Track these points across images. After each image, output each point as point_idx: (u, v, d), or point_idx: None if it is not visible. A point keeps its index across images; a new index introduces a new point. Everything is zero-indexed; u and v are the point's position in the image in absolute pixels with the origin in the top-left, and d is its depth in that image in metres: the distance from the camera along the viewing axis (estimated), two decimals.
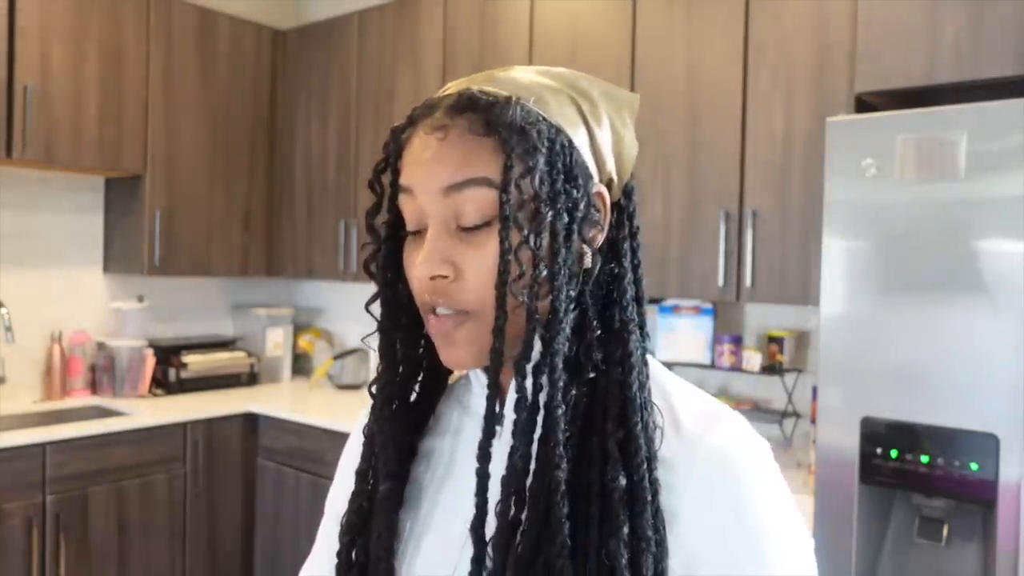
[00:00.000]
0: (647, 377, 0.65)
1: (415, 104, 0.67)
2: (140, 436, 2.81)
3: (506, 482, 0.60)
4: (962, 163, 1.59)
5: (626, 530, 0.58)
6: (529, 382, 0.61)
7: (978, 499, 1.59)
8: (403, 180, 0.64)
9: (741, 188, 2.25)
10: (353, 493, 0.72)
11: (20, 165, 2.89)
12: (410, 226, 0.65)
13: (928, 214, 1.64)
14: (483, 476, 0.61)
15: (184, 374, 3.27)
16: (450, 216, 0.62)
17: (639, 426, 0.61)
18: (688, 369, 2.56)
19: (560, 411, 0.60)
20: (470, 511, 0.62)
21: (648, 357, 0.67)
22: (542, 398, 0.61)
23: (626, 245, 0.68)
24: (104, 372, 3.17)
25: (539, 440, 0.60)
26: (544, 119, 0.62)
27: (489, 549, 0.60)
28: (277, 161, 3.58)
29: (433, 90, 3.10)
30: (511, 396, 0.63)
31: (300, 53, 3.51)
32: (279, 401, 3.26)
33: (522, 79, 0.65)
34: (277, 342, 3.65)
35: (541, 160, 0.61)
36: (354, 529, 0.71)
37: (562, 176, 0.62)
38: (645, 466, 0.60)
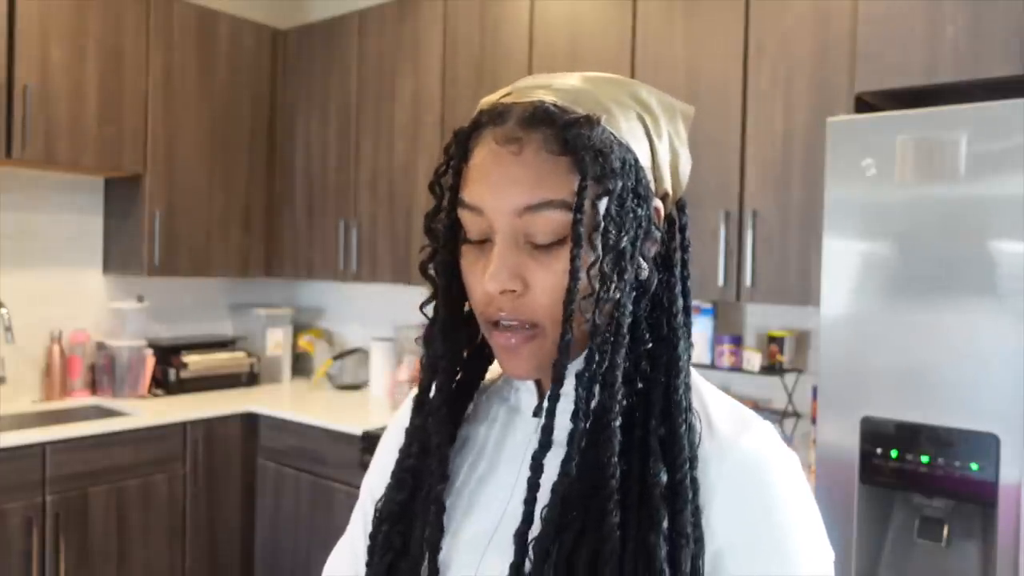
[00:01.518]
0: (691, 382, 0.67)
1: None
2: (140, 436, 2.81)
3: (557, 488, 0.61)
4: (962, 163, 1.59)
5: (665, 525, 0.59)
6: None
7: (978, 499, 1.59)
8: (470, 198, 0.64)
9: (741, 188, 2.25)
10: (393, 485, 0.72)
11: (20, 165, 2.89)
12: (472, 235, 0.65)
13: (928, 214, 1.64)
14: (534, 487, 0.62)
15: (184, 374, 3.27)
16: (520, 233, 0.62)
17: (683, 426, 0.63)
18: None
19: (616, 423, 0.61)
20: (503, 511, 0.64)
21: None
22: (595, 407, 0.62)
23: (677, 256, 0.71)
24: (104, 372, 3.17)
25: (590, 448, 0.61)
26: (617, 139, 0.63)
27: (530, 552, 0.60)
28: (277, 161, 3.58)
29: (433, 90, 3.12)
30: (561, 403, 0.63)
31: (300, 53, 3.51)
32: (279, 401, 3.26)
33: (587, 89, 0.65)
34: (277, 342, 3.65)
35: (619, 184, 0.61)
36: (393, 517, 0.71)
37: (631, 195, 0.63)
38: (687, 465, 0.61)
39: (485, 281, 0.62)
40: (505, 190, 0.61)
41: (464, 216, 0.65)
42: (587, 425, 0.62)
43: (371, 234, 3.22)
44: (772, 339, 2.44)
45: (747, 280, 2.23)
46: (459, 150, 0.66)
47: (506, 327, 0.64)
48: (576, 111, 0.62)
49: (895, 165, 1.67)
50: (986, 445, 1.56)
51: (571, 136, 0.60)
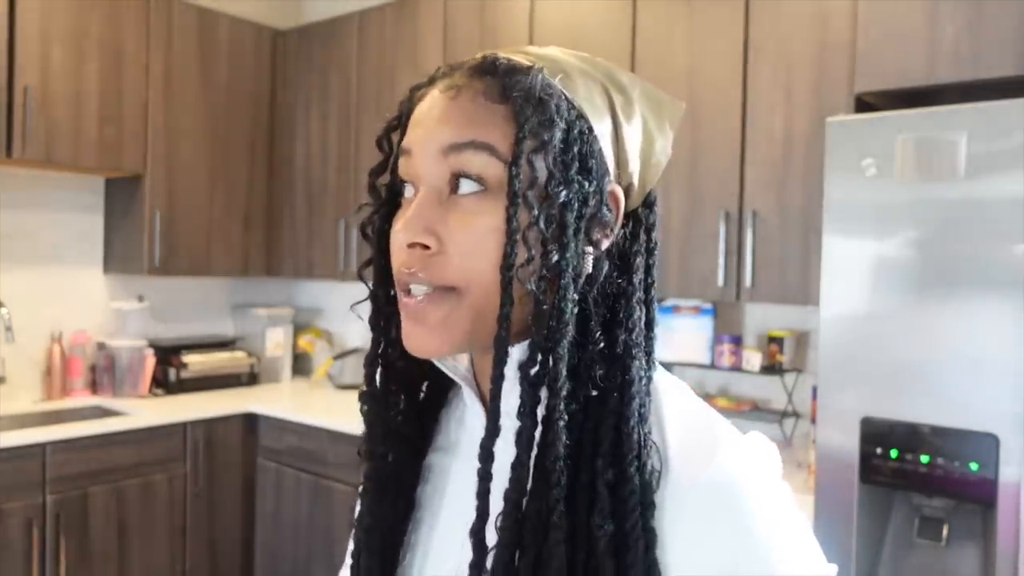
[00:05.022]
0: (648, 410, 0.57)
1: (391, 116, 0.64)
2: (140, 436, 2.81)
3: (509, 496, 0.55)
4: (962, 163, 1.59)
5: None
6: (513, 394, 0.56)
7: (978, 499, 1.59)
8: (404, 141, 0.60)
9: (741, 188, 2.25)
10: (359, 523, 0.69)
11: (20, 165, 2.89)
12: (407, 192, 0.60)
13: (928, 214, 1.64)
14: (485, 477, 0.55)
15: (184, 374, 3.27)
16: (443, 182, 0.57)
17: (634, 465, 0.54)
18: (688, 369, 2.56)
19: (562, 423, 0.54)
20: (469, 518, 0.58)
21: (653, 374, 0.61)
22: (540, 409, 0.55)
23: (639, 260, 0.61)
24: (104, 372, 3.17)
25: (537, 454, 0.55)
26: (566, 97, 0.58)
27: (489, 559, 0.55)
28: (277, 161, 3.58)
29: None
30: (505, 403, 0.57)
31: (300, 53, 3.51)
32: (279, 401, 3.26)
33: (556, 56, 0.61)
34: (277, 342, 3.65)
35: (557, 136, 0.56)
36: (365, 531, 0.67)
37: (576, 163, 0.56)
38: (638, 512, 0.53)
39: (396, 230, 0.57)
40: (433, 129, 0.57)
41: (401, 168, 0.60)
42: (532, 421, 0.55)
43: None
44: (772, 339, 2.44)
45: (747, 280, 2.23)
46: (409, 104, 0.62)
47: (416, 293, 0.57)
48: (523, 63, 0.58)
49: (895, 165, 1.67)
50: (986, 445, 1.56)
51: (511, 84, 0.56)
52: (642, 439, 0.55)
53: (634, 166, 0.61)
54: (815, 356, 2.26)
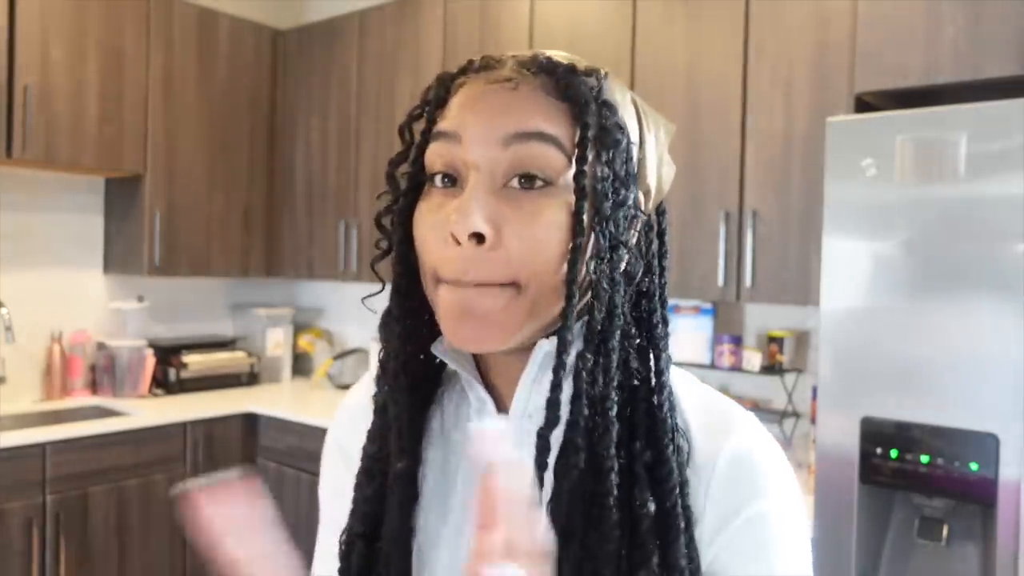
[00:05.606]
0: (675, 397, 0.61)
1: (414, 105, 0.62)
2: (140, 436, 2.81)
3: (561, 483, 0.55)
4: (962, 163, 1.59)
5: (655, 560, 0.54)
6: (540, 393, 0.57)
7: (978, 499, 1.59)
8: (446, 126, 0.56)
9: (741, 188, 2.25)
10: (363, 475, 0.65)
11: (20, 165, 2.89)
12: (437, 169, 0.57)
13: (928, 214, 1.64)
14: (542, 466, 0.54)
15: (184, 374, 3.27)
16: (500, 172, 0.55)
17: (670, 448, 0.57)
18: (688, 369, 2.55)
19: (613, 412, 0.56)
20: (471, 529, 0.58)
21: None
22: (586, 394, 0.56)
23: (655, 264, 0.64)
24: (104, 372, 3.17)
25: (587, 443, 0.56)
26: (616, 103, 0.58)
27: None
28: (277, 161, 3.58)
29: None
30: (522, 404, 0.59)
31: (300, 53, 3.51)
32: (279, 401, 3.26)
33: (584, 62, 0.60)
34: (277, 342, 3.65)
35: (618, 139, 0.56)
36: (367, 520, 0.64)
37: (626, 166, 0.57)
38: (676, 491, 0.56)
39: (451, 222, 0.53)
40: (494, 115, 0.55)
41: (433, 152, 0.57)
42: (588, 411, 0.55)
43: (371, 234, 3.22)
44: (772, 339, 2.44)
45: (747, 280, 2.23)
46: (439, 93, 0.59)
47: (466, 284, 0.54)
48: (582, 64, 0.58)
49: (895, 165, 1.67)
50: (986, 445, 1.56)
51: (575, 83, 0.55)
52: (673, 423, 0.59)
53: (652, 174, 0.62)
54: (815, 356, 2.26)
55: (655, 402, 0.58)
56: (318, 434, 2.92)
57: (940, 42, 1.84)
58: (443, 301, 0.56)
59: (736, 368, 2.45)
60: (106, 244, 3.31)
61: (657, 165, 0.63)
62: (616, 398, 0.57)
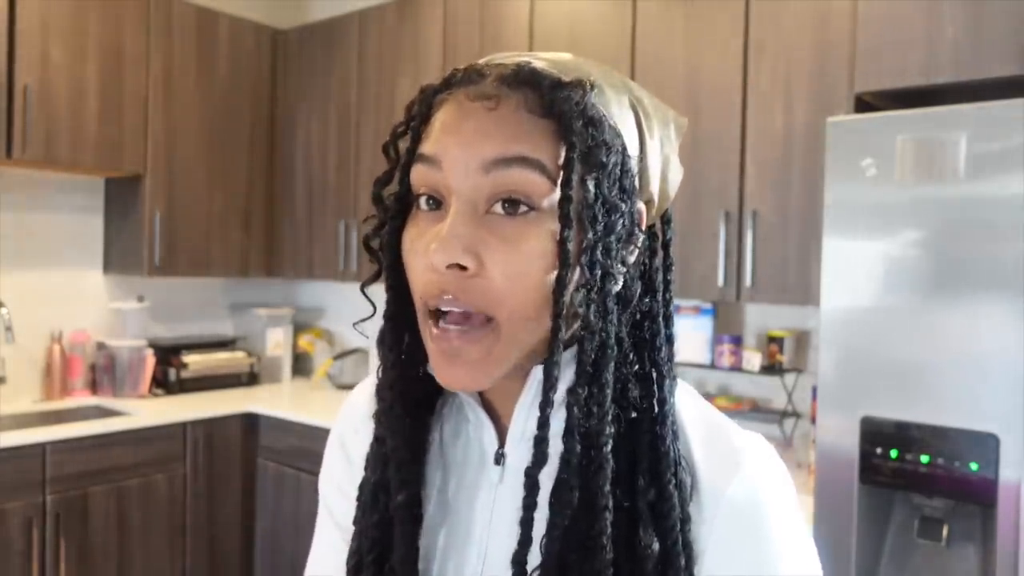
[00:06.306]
0: (678, 427, 0.58)
1: (398, 122, 0.60)
2: (140, 436, 2.81)
3: (554, 520, 0.53)
4: (962, 163, 1.59)
5: None
6: (535, 420, 0.54)
7: (978, 499, 1.59)
8: (428, 149, 0.55)
9: (741, 188, 2.25)
10: (366, 502, 0.64)
11: (20, 165, 2.89)
12: (424, 205, 0.56)
13: (928, 214, 1.64)
14: (530, 507, 0.53)
15: (184, 374, 3.27)
16: (482, 198, 0.53)
17: (672, 483, 0.55)
18: (688, 369, 2.56)
19: (608, 448, 0.53)
20: (484, 533, 0.59)
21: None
22: (578, 429, 0.53)
23: (659, 278, 0.61)
24: (104, 372, 3.17)
25: (581, 480, 0.54)
26: (607, 117, 0.55)
27: None
28: (277, 161, 3.57)
29: None
30: (520, 427, 0.58)
31: (300, 53, 3.51)
32: (279, 401, 3.26)
33: (580, 65, 0.57)
34: (277, 342, 3.65)
35: (606, 157, 0.53)
36: (375, 545, 0.63)
37: (618, 183, 0.54)
38: (677, 527, 0.54)
39: (431, 251, 0.52)
40: (473, 141, 0.52)
41: (417, 174, 0.55)
42: (580, 447, 0.53)
43: None
44: (772, 339, 2.44)
45: (747, 280, 2.23)
46: (422, 108, 0.58)
47: (448, 319, 0.53)
48: (567, 76, 0.54)
49: (895, 165, 1.67)
50: (986, 445, 1.56)
51: (559, 98, 0.52)
52: (676, 456, 0.56)
53: (655, 182, 0.59)
54: (815, 356, 2.26)
55: (658, 433, 0.56)
56: (318, 434, 2.92)
57: (940, 42, 1.84)
58: (430, 347, 0.56)
59: (736, 368, 2.45)
60: (106, 244, 3.30)
61: (662, 170, 0.60)
62: (612, 432, 0.54)
